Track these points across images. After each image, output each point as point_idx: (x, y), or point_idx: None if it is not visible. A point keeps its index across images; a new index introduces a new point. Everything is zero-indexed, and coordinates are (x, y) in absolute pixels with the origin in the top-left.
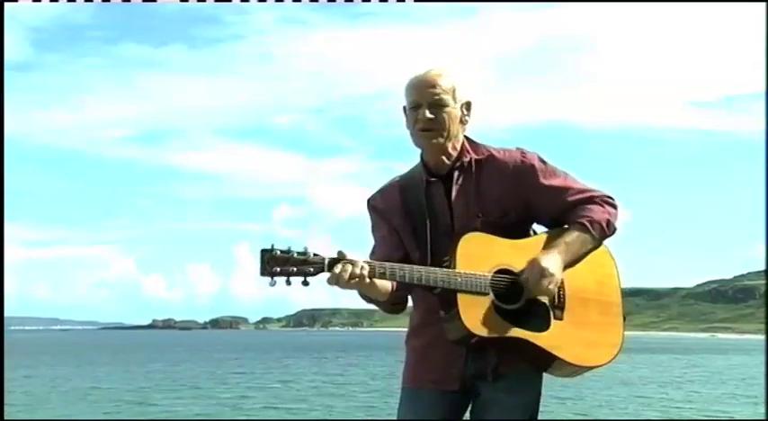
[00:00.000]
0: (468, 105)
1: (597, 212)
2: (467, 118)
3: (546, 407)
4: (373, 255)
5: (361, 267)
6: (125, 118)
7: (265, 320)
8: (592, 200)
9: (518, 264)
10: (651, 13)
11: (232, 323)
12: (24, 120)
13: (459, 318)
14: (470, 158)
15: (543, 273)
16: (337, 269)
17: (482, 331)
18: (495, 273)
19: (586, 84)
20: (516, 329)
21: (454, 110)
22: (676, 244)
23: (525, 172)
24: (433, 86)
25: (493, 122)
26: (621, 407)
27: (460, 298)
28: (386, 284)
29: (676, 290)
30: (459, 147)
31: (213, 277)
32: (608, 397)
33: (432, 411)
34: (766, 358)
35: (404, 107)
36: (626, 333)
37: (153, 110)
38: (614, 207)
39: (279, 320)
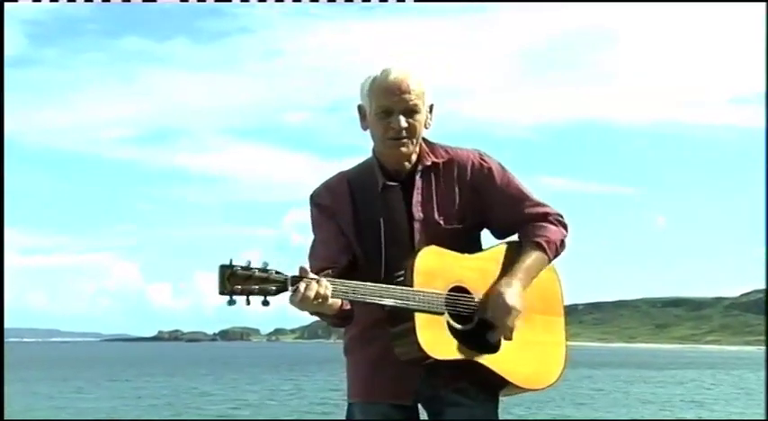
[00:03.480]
0: (431, 108)
1: (553, 232)
2: (430, 122)
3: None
4: (315, 256)
5: (325, 287)
6: (126, 116)
7: (278, 331)
8: (546, 217)
9: (473, 283)
10: (686, 7)
11: (243, 334)
12: (19, 120)
13: (417, 341)
14: (431, 162)
15: (509, 310)
16: (301, 287)
17: (438, 354)
18: (450, 290)
19: (617, 80)
20: (471, 352)
21: (423, 115)
22: (718, 250)
23: (483, 175)
24: (408, 92)
25: (517, 120)
26: None
27: (417, 318)
28: (338, 300)
29: (719, 300)
30: (418, 150)
31: None
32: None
33: None
34: (766, 366)
35: (359, 106)
36: (665, 346)
37: (155, 108)
38: (566, 227)
39: (292, 331)
